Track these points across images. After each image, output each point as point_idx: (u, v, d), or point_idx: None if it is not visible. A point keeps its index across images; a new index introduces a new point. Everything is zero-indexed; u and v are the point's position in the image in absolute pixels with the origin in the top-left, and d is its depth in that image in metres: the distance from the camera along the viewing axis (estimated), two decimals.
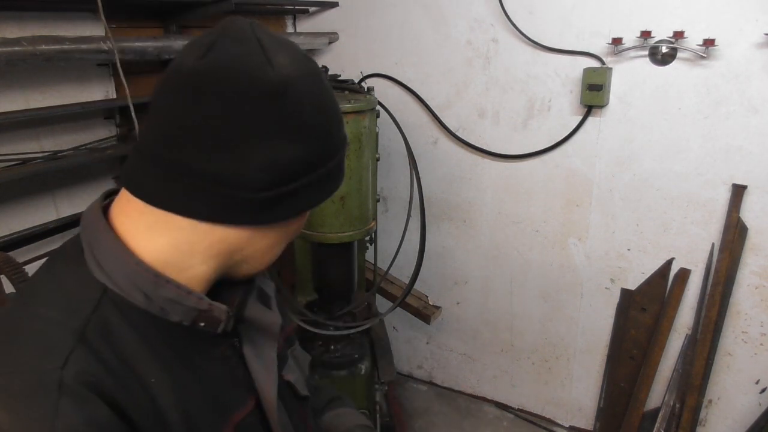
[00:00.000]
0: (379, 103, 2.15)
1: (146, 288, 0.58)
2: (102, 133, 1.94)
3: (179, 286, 0.59)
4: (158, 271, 0.59)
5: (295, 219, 0.65)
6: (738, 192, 2.00)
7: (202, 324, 0.62)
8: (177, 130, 0.56)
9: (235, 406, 0.65)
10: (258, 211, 0.60)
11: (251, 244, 0.63)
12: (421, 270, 2.30)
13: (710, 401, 2.26)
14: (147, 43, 1.81)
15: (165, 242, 0.59)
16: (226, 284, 0.68)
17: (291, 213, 0.63)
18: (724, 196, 2.04)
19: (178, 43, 1.90)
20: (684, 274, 2.18)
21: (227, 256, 0.63)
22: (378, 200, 2.27)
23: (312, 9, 2.61)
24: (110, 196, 0.65)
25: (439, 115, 2.48)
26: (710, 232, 2.10)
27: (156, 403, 0.55)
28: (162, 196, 0.58)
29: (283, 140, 0.58)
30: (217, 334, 0.64)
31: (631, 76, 2.06)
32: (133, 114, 1.65)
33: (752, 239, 2.03)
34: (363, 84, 2.37)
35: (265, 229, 0.63)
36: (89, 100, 1.86)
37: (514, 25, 2.18)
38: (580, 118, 2.19)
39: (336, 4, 2.56)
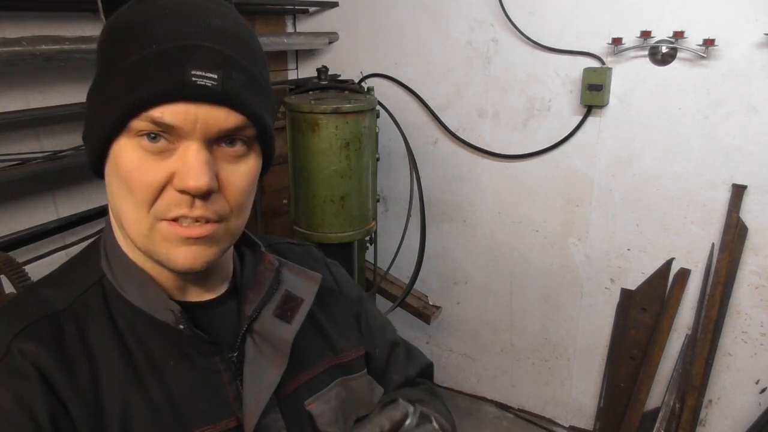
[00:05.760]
0: (379, 103, 2.15)
1: (132, 280, 0.60)
2: None
3: (148, 279, 0.60)
4: (133, 262, 0.60)
5: (109, 164, 0.56)
6: (738, 192, 2.00)
7: (182, 326, 0.59)
8: None
9: (203, 420, 0.59)
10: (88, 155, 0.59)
11: (110, 200, 0.59)
12: (421, 270, 2.30)
13: (710, 401, 2.26)
14: None
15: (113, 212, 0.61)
16: (244, 293, 0.66)
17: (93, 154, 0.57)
18: (724, 196, 2.04)
19: None
20: (684, 274, 2.18)
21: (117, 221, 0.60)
22: (378, 200, 2.28)
23: (312, 9, 2.61)
24: None
25: (439, 115, 2.48)
26: (710, 232, 2.10)
27: (99, 391, 0.55)
28: None
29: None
30: (209, 344, 0.61)
31: (631, 76, 2.06)
32: None
33: (752, 239, 2.03)
34: (363, 84, 2.37)
35: (106, 179, 0.58)
36: None
37: (514, 25, 2.18)
38: (580, 118, 2.19)
39: (336, 4, 2.56)
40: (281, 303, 0.66)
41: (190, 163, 0.52)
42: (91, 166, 0.59)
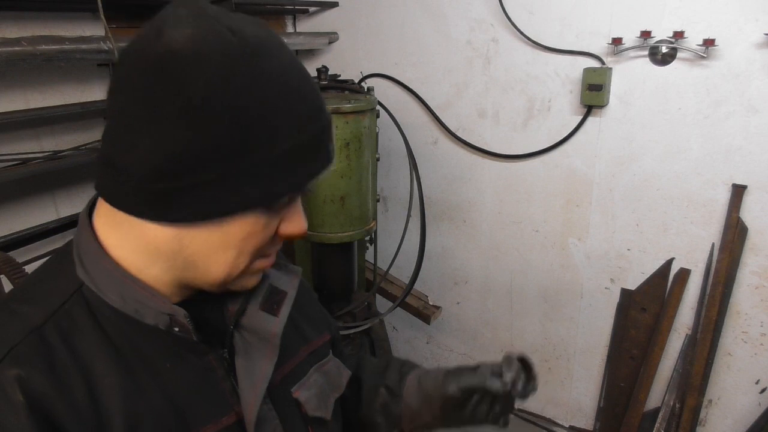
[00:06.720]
0: (379, 103, 2.15)
1: (118, 287, 0.57)
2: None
3: (144, 287, 0.58)
4: (126, 270, 0.58)
5: (226, 223, 0.55)
6: (738, 192, 2.00)
7: (177, 329, 0.58)
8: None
9: (204, 419, 0.60)
10: (155, 204, 0.52)
11: (183, 247, 0.56)
12: (421, 270, 2.30)
13: (710, 401, 2.26)
14: None
15: (120, 238, 0.58)
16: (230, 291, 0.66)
17: (194, 214, 0.53)
18: (724, 196, 2.04)
19: None
20: (684, 274, 2.18)
21: (170, 259, 0.57)
22: (378, 200, 2.27)
23: (312, 9, 2.61)
24: None
25: (439, 115, 2.48)
26: (710, 232, 2.10)
27: (99, 406, 0.53)
28: (100, 186, 0.57)
29: (167, 123, 0.49)
30: (201, 343, 0.61)
31: (631, 76, 2.06)
32: None
33: (752, 239, 2.03)
34: (363, 84, 2.37)
35: (190, 230, 0.55)
36: (89, 100, 1.86)
37: (514, 25, 2.18)
38: (580, 118, 2.19)
39: (336, 4, 2.56)
40: (266, 297, 0.68)
41: (299, 214, 0.62)
42: (180, 217, 0.54)
